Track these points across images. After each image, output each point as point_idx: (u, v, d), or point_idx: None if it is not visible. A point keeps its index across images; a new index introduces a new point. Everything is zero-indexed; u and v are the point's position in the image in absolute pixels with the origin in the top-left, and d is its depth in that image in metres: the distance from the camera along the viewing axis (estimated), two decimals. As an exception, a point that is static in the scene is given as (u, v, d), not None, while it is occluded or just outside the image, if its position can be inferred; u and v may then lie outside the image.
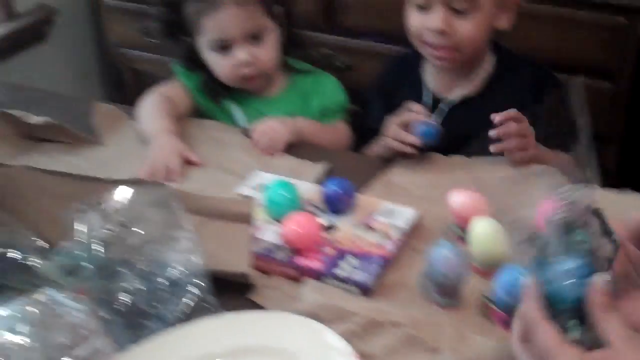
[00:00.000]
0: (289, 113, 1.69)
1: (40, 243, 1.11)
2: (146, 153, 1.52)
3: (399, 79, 1.73)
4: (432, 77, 1.67)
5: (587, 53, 2.20)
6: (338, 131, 1.74)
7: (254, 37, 1.65)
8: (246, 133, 1.61)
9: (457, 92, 1.63)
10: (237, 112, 1.74)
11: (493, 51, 1.65)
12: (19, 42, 2.83)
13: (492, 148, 1.43)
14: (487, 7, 1.53)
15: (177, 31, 1.71)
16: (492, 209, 1.23)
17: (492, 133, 1.42)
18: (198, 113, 1.76)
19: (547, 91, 1.56)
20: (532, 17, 2.19)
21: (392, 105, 1.70)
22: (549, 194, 1.17)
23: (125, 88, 3.03)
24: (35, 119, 1.53)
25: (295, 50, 1.78)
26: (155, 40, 2.74)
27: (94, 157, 1.53)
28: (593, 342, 0.76)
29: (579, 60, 2.21)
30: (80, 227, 1.04)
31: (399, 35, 1.75)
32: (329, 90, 1.77)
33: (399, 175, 1.46)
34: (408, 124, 1.48)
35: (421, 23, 1.55)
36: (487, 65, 1.63)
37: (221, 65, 1.68)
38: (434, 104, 1.64)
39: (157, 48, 2.82)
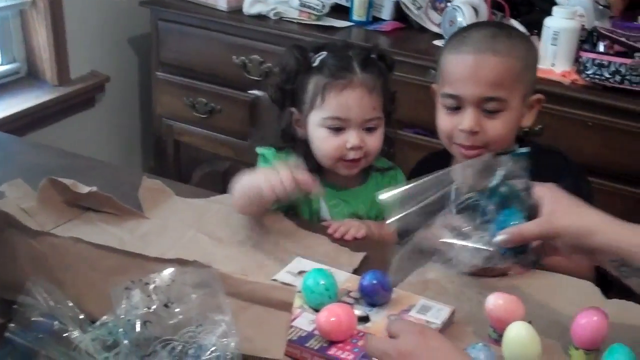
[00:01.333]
0: (368, 206, 1.73)
1: (82, 315, 1.13)
2: (187, 226, 1.54)
3: None
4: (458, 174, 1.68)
5: (627, 160, 2.21)
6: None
7: (368, 125, 1.67)
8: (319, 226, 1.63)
9: (483, 185, 1.64)
10: (322, 201, 1.74)
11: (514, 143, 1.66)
12: (70, 107, 2.90)
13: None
14: (516, 106, 1.56)
15: (288, 101, 1.73)
16: (528, 314, 1.23)
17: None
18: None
19: (565, 177, 1.58)
20: (577, 123, 2.23)
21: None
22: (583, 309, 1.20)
23: (166, 159, 3.07)
24: (83, 189, 1.56)
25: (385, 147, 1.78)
26: (201, 114, 2.83)
27: (137, 230, 1.55)
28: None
29: (619, 166, 2.23)
30: (122, 303, 1.06)
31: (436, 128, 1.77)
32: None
33: (434, 271, 1.46)
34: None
35: (452, 124, 1.58)
36: None
37: (327, 144, 1.67)
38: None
39: (202, 122, 2.88)
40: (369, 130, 1.67)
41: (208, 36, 2.80)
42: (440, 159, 1.69)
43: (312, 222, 1.71)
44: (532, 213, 1.17)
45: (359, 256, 1.49)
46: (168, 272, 1.09)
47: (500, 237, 1.17)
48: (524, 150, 1.21)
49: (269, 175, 1.48)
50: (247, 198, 1.57)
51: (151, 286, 1.06)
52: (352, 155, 1.67)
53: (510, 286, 1.39)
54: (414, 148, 2.38)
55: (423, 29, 2.69)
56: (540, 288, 1.41)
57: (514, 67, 1.53)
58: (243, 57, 2.71)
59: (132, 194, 1.65)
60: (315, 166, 1.71)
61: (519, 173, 1.20)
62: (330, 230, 1.60)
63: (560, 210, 1.14)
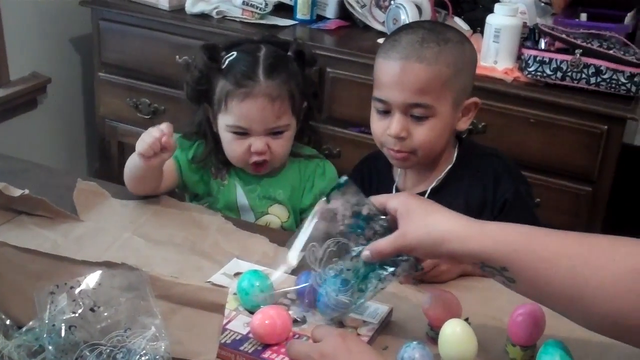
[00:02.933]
0: (289, 191, 1.73)
1: (8, 321, 1.10)
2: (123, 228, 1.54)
3: (371, 177, 1.75)
4: (399, 174, 1.69)
5: (569, 157, 2.23)
6: None
7: (273, 131, 1.67)
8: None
9: (421, 187, 1.64)
10: (238, 186, 1.75)
11: (455, 145, 1.67)
12: (11, 109, 2.84)
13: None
14: (445, 112, 1.55)
15: (203, 99, 1.72)
16: (466, 312, 1.23)
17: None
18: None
19: (504, 181, 1.60)
20: (520, 120, 2.24)
21: None
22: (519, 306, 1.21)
23: (111, 160, 3.03)
24: (15, 192, 1.52)
25: (304, 139, 1.81)
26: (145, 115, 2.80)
27: (71, 233, 1.52)
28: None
29: (562, 163, 2.25)
30: (47, 308, 1.03)
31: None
32: (331, 177, 1.79)
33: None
34: None
35: (382, 128, 1.58)
36: (450, 159, 1.65)
37: (233, 147, 1.69)
38: None
39: (145, 123, 2.84)
40: (275, 134, 1.67)
41: (150, 36, 2.77)
42: (383, 157, 1.69)
43: (231, 209, 1.73)
44: (395, 228, 1.17)
45: (298, 257, 1.47)
46: (95, 275, 1.06)
47: (363, 254, 1.19)
48: (343, 179, 1.22)
49: (143, 137, 1.55)
50: (133, 170, 1.62)
51: (77, 290, 1.04)
52: (256, 158, 1.67)
53: (448, 286, 1.39)
54: (359, 146, 2.37)
55: (367, 27, 2.69)
56: (478, 288, 1.40)
57: (441, 74, 1.52)
58: (186, 57, 2.67)
59: (67, 197, 1.62)
60: (225, 160, 1.74)
61: (357, 199, 1.21)
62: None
63: (411, 224, 1.14)
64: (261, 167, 1.70)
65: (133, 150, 2.91)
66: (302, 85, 1.70)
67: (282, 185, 1.74)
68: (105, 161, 3.07)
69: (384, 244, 1.16)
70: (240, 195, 1.74)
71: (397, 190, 1.68)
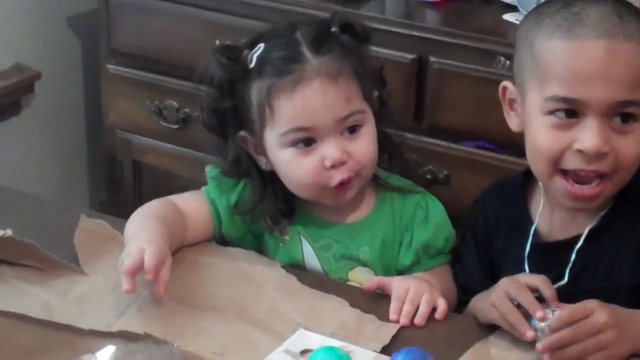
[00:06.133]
0: (377, 247, 1.71)
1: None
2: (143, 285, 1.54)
3: (499, 217, 1.71)
4: (541, 213, 1.66)
5: None
6: (448, 282, 1.72)
7: (347, 125, 1.64)
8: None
9: (574, 229, 1.62)
10: (304, 242, 1.74)
11: None
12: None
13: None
14: None
15: (232, 125, 1.71)
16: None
17: (538, 347, 1.40)
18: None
19: None
20: None
21: (489, 253, 1.72)
22: None
23: (123, 187, 3.07)
24: (-6, 233, 1.56)
25: (382, 156, 1.76)
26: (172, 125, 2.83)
27: (70, 291, 1.54)
28: None
29: None
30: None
31: (510, 141, 1.77)
32: (438, 222, 1.75)
33: (501, 349, 1.45)
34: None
35: (561, 142, 1.52)
36: None
37: (298, 169, 1.65)
38: (542, 249, 1.64)
39: (172, 135, 2.87)
40: (351, 132, 1.65)
41: (180, 13, 2.79)
42: (514, 187, 1.67)
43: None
44: None
45: (390, 328, 1.48)
46: (107, 351, 1.08)
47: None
48: None
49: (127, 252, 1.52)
50: None
51: (83, 373, 1.06)
52: (337, 176, 1.63)
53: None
54: (476, 169, 2.37)
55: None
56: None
57: None
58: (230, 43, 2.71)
59: (65, 240, 1.65)
60: (286, 206, 1.72)
61: None
62: (393, 316, 1.54)
63: None
64: (345, 189, 1.65)
65: (153, 173, 2.99)
66: (365, 65, 1.69)
67: (367, 239, 1.72)
68: (116, 189, 3.11)
69: None
70: (309, 255, 1.73)
71: (537, 235, 1.64)
